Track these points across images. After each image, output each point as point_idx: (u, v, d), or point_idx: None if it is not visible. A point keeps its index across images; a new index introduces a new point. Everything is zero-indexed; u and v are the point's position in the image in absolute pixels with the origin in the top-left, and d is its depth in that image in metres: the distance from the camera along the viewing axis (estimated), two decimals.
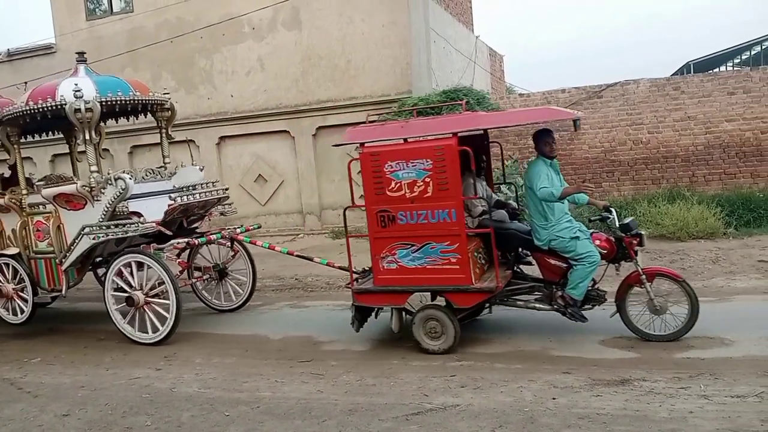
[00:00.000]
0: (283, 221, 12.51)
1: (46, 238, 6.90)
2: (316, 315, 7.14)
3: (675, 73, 23.42)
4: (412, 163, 5.08)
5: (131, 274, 6.36)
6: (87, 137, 6.37)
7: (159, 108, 7.41)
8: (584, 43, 61.95)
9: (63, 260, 6.72)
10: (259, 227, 8.25)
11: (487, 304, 5.59)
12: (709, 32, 53.43)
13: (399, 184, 5.14)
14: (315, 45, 11.83)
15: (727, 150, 10.59)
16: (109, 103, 6.53)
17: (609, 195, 10.79)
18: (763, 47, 23.60)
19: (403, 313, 5.56)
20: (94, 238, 6.40)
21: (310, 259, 7.00)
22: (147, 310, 6.33)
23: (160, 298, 6.30)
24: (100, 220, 6.40)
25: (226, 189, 7.51)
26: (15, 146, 7.02)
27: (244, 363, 5.57)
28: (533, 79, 45.67)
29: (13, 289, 7.13)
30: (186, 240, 6.96)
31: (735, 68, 22.79)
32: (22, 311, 7.12)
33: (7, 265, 7.12)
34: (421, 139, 5.24)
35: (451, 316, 5.17)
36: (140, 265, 6.38)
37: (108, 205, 6.36)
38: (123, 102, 6.70)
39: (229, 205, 7.69)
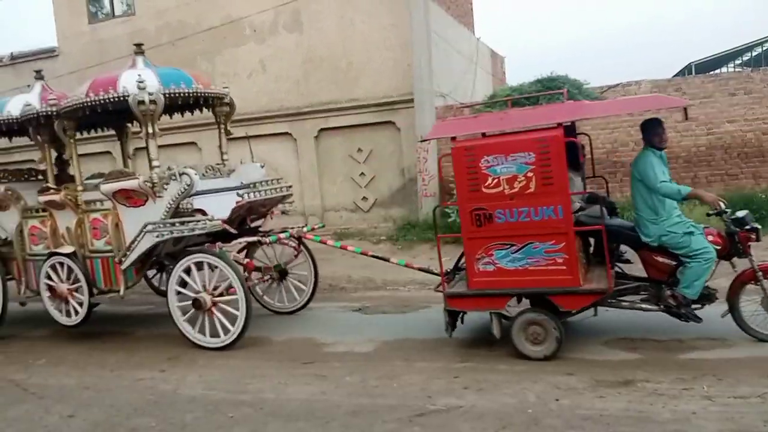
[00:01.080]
0: (285, 223, 12.51)
1: (104, 236, 6.55)
2: (319, 317, 7.15)
3: (676, 75, 23.43)
4: (512, 157, 4.72)
5: (198, 274, 6.08)
6: (150, 131, 6.08)
7: (219, 102, 7.11)
8: (585, 45, 62.10)
9: (122, 259, 6.39)
10: (323, 226, 7.96)
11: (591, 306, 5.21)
12: (710, 34, 53.53)
13: (497, 180, 4.79)
14: (316, 47, 11.86)
15: (728, 151, 10.61)
16: (172, 95, 6.22)
17: (612, 196, 10.76)
18: (764, 48, 23.62)
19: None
20: (157, 236, 6.10)
21: (387, 260, 6.66)
22: (213, 314, 6.02)
23: (229, 304, 5.97)
24: (163, 217, 6.09)
25: (290, 186, 7.26)
26: (71, 140, 6.69)
27: (248, 365, 5.58)
28: None
29: (68, 289, 6.69)
30: (256, 239, 6.65)
31: (736, 69, 22.80)
32: (77, 312, 6.72)
33: (62, 264, 6.69)
34: (502, 132, 4.92)
35: (556, 320, 4.86)
36: (205, 265, 6.12)
37: (171, 202, 6.06)
38: (185, 95, 6.38)
39: (291, 203, 7.45)
